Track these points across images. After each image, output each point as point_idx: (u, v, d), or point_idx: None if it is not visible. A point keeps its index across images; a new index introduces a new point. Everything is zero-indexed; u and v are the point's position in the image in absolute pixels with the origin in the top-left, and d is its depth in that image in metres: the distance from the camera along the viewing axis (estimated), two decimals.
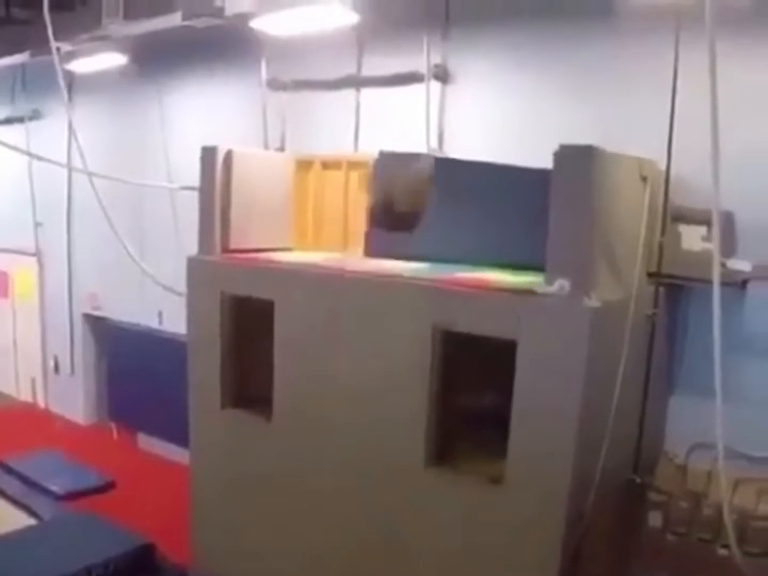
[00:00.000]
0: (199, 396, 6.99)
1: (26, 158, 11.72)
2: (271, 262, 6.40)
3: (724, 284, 4.71)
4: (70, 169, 10.80)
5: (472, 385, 5.75)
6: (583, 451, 4.97)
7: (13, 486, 9.27)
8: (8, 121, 12.42)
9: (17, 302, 13.49)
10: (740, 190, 5.50)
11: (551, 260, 5.00)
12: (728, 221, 5.72)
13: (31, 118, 12.14)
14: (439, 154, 7.10)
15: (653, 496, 6.12)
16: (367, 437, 5.89)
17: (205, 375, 6.85)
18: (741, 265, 5.76)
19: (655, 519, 6.13)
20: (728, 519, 5.10)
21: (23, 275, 13.20)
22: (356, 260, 6.52)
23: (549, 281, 4.98)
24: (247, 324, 6.69)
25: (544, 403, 4.98)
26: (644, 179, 5.57)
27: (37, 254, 12.78)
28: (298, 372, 6.24)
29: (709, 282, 4.70)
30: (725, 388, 4.71)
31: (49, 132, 11.50)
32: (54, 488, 9.23)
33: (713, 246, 4.70)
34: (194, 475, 7.20)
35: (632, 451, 5.90)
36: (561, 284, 4.90)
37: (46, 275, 12.79)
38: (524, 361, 5.01)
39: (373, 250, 6.72)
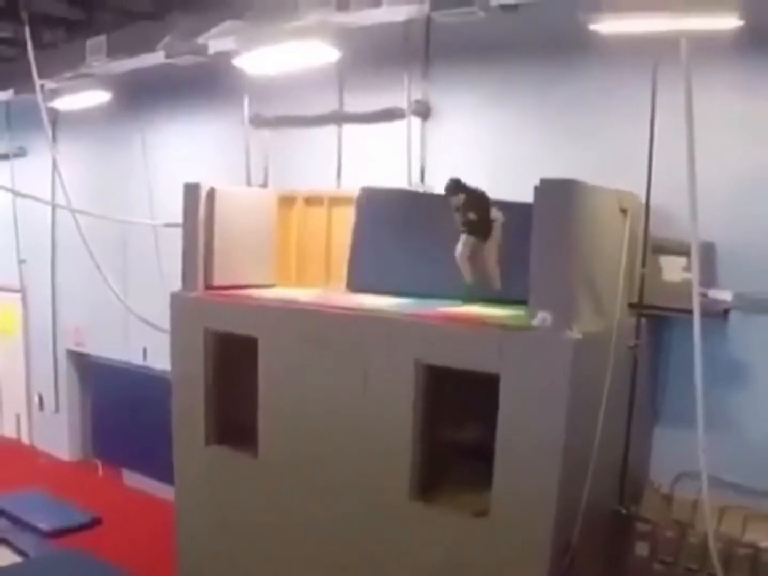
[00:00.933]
0: (183, 432, 6.97)
1: (10, 196, 11.71)
2: (255, 298, 6.42)
3: (706, 314, 4.76)
4: (54, 206, 10.82)
5: (456, 418, 5.76)
6: (567, 482, 4.98)
7: None
8: None
9: (1, 339, 13.44)
10: (720, 221, 5.59)
11: (533, 293, 5.04)
12: (709, 252, 5.76)
13: (15, 155, 12.13)
14: (421, 189, 7.15)
15: (639, 526, 6.12)
16: (353, 471, 5.88)
17: (189, 411, 6.84)
18: (722, 294, 5.81)
19: (641, 549, 6.13)
20: (713, 548, 5.12)
21: (7, 312, 13.15)
22: (339, 295, 6.56)
23: (531, 314, 5.01)
24: (231, 359, 6.68)
25: (528, 435, 4.99)
26: (624, 212, 5.62)
27: (22, 291, 12.74)
28: (282, 407, 6.24)
29: (691, 312, 4.75)
30: (709, 416, 4.76)
31: (34, 169, 11.49)
32: (40, 525, 9.15)
33: (693, 276, 4.75)
34: (179, 512, 7.17)
35: (617, 481, 5.90)
36: (543, 317, 4.93)
37: (31, 312, 12.76)
38: (507, 394, 5.03)
39: (355, 285, 6.75)
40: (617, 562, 6.21)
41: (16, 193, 11.01)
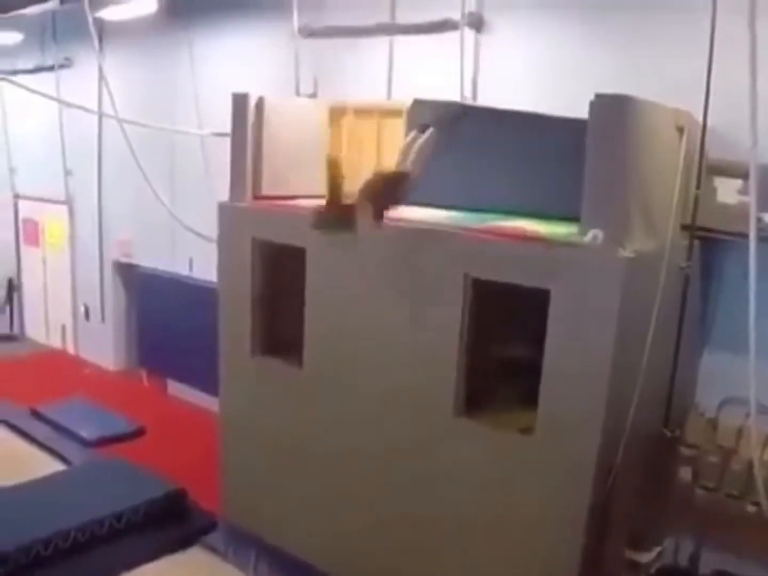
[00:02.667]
0: (229, 343, 7.01)
1: (56, 107, 11.73)
2: (304, 208, 6.37)
3: (760, 239, 4.65)
4: (101, 116, 10.78)
5: (504, 335, 5.72)
6: (614, 403, 4.96)
7: (43, 432, 9.34)
8: (38, 69, 12.36)
9: (48, 250, 13.58)
10: None
11: (586, 210, 4.96)
12: (765, 175, 5.62)
13: (61, 67, 12.09)
14: (472, 103, 7.04)
15: (683, 451, 6.10)
16: (398, 385, 5.89)
17: (236, 322, 6.87)
18: None
19: (684, 473, 6.12)
20: (758, 475, 5.08)
21: (54, 223, 13.29)
22: None
23: (583, 231, 4.93)
24: (278, 270, 6.68)
25: (576, 353, 4.95)
26: (680, 130, 5.50)
27: (68, 202, 12.83)
28: (329, 319, 6.25)
29: (745, 236, 4.66)
30: (758, 344, 4.68)
31: (80, 80, 11.47)
32: (84, 434, 9.31)
33: (750, 199, 4.65)
34: (224, 423, 7.26)
35: (663, 404, 5.86)
36: (595, 234, 4.85)
37: (77, 223, 12.86)
38: (557, 311, 4.98)
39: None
40: (660, 486, 6.21)
41: (63, 103, 11.01)
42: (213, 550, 7.02)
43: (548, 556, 5.31)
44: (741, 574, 6.18)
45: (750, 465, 5.35)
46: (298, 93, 8.32)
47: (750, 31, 4.30)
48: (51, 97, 10.31)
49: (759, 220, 4.78)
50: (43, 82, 11.55)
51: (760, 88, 4.38)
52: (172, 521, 7.25)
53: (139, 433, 9.63)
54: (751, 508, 5.73)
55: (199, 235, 8.73)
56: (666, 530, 6.50)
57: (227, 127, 6.86)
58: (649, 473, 6.06)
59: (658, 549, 6.35)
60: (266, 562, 6.84)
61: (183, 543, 7.05)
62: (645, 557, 6.25)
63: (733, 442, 5.95)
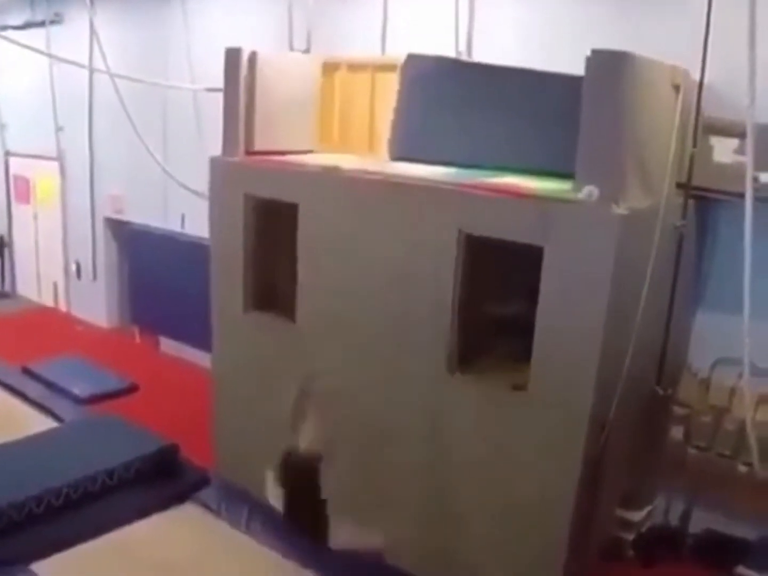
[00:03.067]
0: (222, 299, 6.99)
1: (46, 63, 11.61)
2: (297, 164, 6.32)
3: (756, 199, 4.64)
4: (92, 71, 10.68)
5: (498, 292, 5.70)
6: (606, 360, 4.95)
7: (35, 390, 9.38)
8: (28, 25, 12.19)
9: (39, 207, 13.50)
10: None
11: (581, 166, 4.92)
12: (762, 135, 5.57)
13: (52, 22, 11.93)
14: (467, 58, 6.97)
15: (676, 410, 6.14)
16: (392, 340, 5.88)
17: (228, 278, 6.83)
18: None
19: (677, 432, 6.16)
20: (752, 435, 5.10)
21: (45, 180, 13.19)
22: (382, 164, 6.44)
23: (578, 187, 4.89)
24: (270, 225, 6.64)
25: (570, 311, 4.94)
26: (677, 88, 5.45)
27: (59, 159, 12.72)
28: (322, 274, 6.20)
29: (741, 195, 4.65)
30: (752, 304, 4.68)
31: (71, 36, 11.35)
32: (76, 391, 9.31)
33: (747, 158, 4.62)
34: (216, 379, 7.26)
35: (656, 363, 5.87)
36: (590, 190, 4.82)
37: (68, 180, 12.75)
38: (551, 268, 4.96)
39: (398, 153, 6.65)
40: (652, 445, 6.25)
41: (54, 58, 10.88)
42: (205, 506, 7.05)
43: (541, 511, 5.33)
44: (731, 533, 6.23)
45: (742, 425, 5.37)
46: (291, 48, 8.23)
47: None
48: (42, 52, 10.20)
49: (755, 179, 4.77)
50: (34, 38, 11.39)
51: (758, 48, 4.34)
52: (165, 477, 7.28)
53: (131, 389, 9.62)
54: (742, 468, 5.77)
55: (191, 190, 8.69)
56: (657, 489, 6.55)
57: (220, 83, 6.78)
58: (642, 431, 6.10)
59: (649, 508, 6.41)
60: (258, 519, 6.86)
61: (176, 499, 7.09)
62: (636, 516, 6.32)
63: (725, 402, 5.98)
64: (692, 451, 6.12)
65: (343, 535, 6.36)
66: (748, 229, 4.58)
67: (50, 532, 6.39)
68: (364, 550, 6.23)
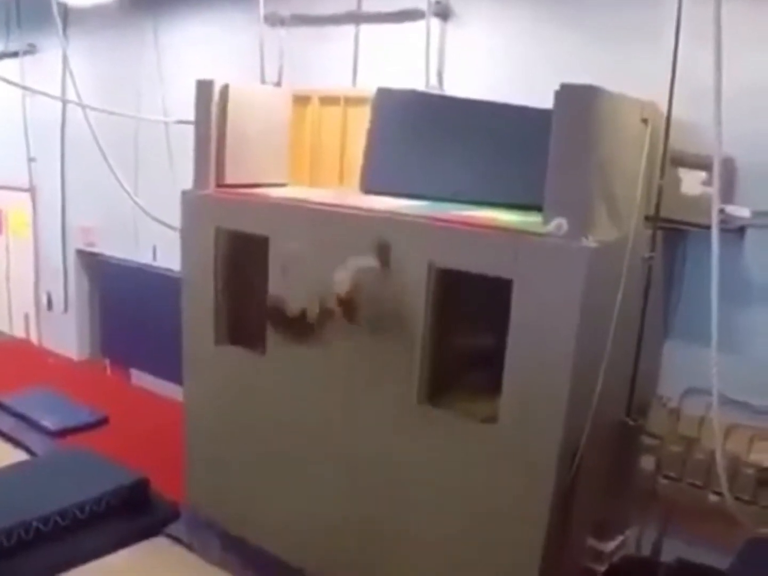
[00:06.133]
0: (193, 332, 6.96)
1: (20, 94, 11.58)
2: (267, 197, 6.34)
3: (722, 230, 4.71)
4: (65, 102, 10.69)
5: (469, 326, 5.71)
6: (576, 391, 4.96)
7: (6, 422, 9.24)
8: (2, 56, 12.14)
9: (11, 239, 13.42)
10: (741, 135, 5.43)
11: (549, 199, 4.95)
12: (728, 167, 5.67)
13: (25, 53, 11.91)
14: (438, 92, 7.03)
15: (646, 440, 6.15)
16: (361, 372, 5.87)
17: (199, 310, 6.81)
18: (740, 211, 5.73)
19: (647, 462, 6.17)
20: (721, 465, 5.12)
21: (17, 212, 13.11)
22: (352, 196, 6.46)
23: (547, 220, 4.93)
24: (242, 259, 6.63)
25: (539, 342, 4.96)
26: (645, 121, 5.50)
27: (31, 190, 12.66)
28: None
29: (708, 227, 4.71)
30: (720, 334, 4.72)
31: (44, 66, 11.31)
32: (47, 424, 9.20)
33: (713, 191, 4.68)
34: (188, 412, 7.21)
35: (626, 394, 5.90)
36: (558, 223, 4.85)
37: (40, 211, 12.68)
38: (520, 300, 4.98)
39: (369, 186, 6.68)
40: (623, 475, 6.25)
41: (26, 89, 10.86)
42: (177, 539, 6.98)
43: (511, 544, 5.32)
44: (703, 562, 6.24)
45: (712, 455, 5.39)
46: (263, 81, 8.27)
47: (715, 24, 4.32)
48: (15, 84, 10.17)
49: (721, 211, 4.83)
50: (7, 68, 11.39)
51: (724, 80, 4.40)
52: (136, 511, 7.17)
53: (102, 422, 9.53)
54: (713, 498, 5.78)
55: (162, 223, 8.66)
56: (629, 519, 6.56)
57: (192, 116, 6.79)
58: (613, 462, 6.10)
59: (621, 538, 6.39)
60: (231, 552, 6.81)
61: (147, 533, 7.00)
62: (608, 546, 6.29)
63: (695, 431, 6.01)
64: (663, 481, 6.12)
65: None
66: (715, 260, 4.64)
67: (21, 565, 6.29)
68: None
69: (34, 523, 6.54)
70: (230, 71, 8.15)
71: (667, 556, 6.54)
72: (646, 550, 6.66)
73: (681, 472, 6.03)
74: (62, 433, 9.11)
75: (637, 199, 5.41)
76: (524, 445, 5.14)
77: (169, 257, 9.08)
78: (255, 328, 6.47)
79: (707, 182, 5.64)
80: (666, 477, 6.10)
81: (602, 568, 6.24)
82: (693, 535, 6.32)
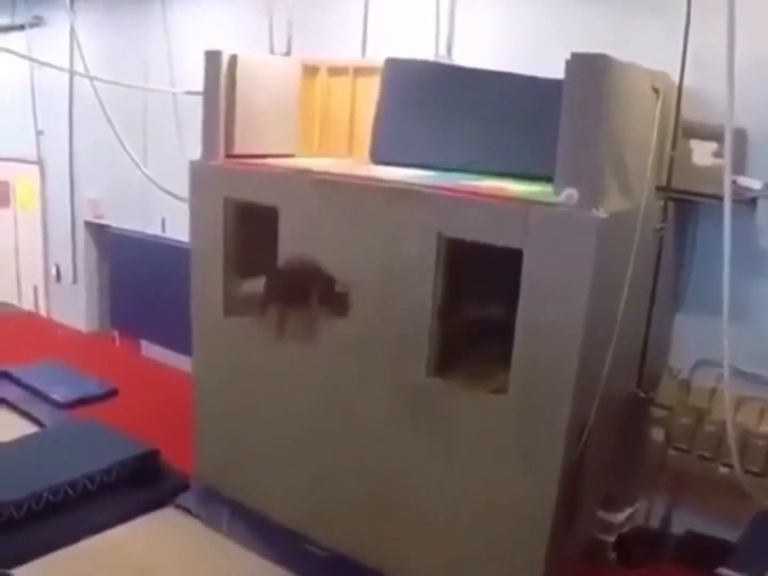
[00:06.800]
0: (202, 303, 6.94)
1: (27, 66, 11.57)
2: (276, 167, 6.31)
3: (734, 201, 4.68)
4: (72, 74, 10.67)
5: (479, 297, 5.70)
6: (586, 363, 4.94)
7: (15, 394, 9.31)
8: (8, 28, 12.15)
9: (19, 211, 13.43)
10: (754, 106, 5.41)
11: (560, 169, 4.90)
12: (740, 138, 5.62)
13: (32, 26, 11.90)
14: (447, 62, 6.98)
15: (656, 412, 6.14)
16: (371, 345, 5.85)
17: (209, 282, 6.79)
18: (751, 183, 5.69)
19: (657, 434, 6.17)
20: (732, 437, 5.12)
21: (25, 184, 13.13)
22: (362, 167, 6.42)
23: (557, 190, 4.89)
24: (251, 229, 6.60)
25: (549, 314, 4.92)
26: (656, 91, 5.45)
27: (39, 163, 12.67)
28: None
29: (719, 198, 4.69)
30: (731, 306, 4.71)
31: (51, 39, 11.32)
32: (56, 396, 9.23)
33: (725, 162, 4.65)
34: (197, 384, 7.20)
35: (636, 366, 5.89)
36: (569, 193, 4.81)
37: (48, 183, 12.71)
38: (530, 271, 4.94)
39: (378, 156, 6.65)
40: (633, 447, 6.26)
41: (35, 61, 10.83)
42: (186, 509, 7.03)
43: (521, 515, 5.31)
44: (712, 534, 6.25)
45: (723, 427, 5.39)
46: (272, 52, 8.23)
47: None
48: (22, 56, 10.15)
49: (733, 182, 4.80)
50: (14, 41, 11.37)
51: (736, 50, 4.36)
52: (146, 482, 7.25)
53: (112, 394, 9.55)
54: (723, 470, 5.78)
55: (171, 194, 8.66)
56: (639, 491, 6.57)
57: (200, 86, 6.75)
58: (623, 434, 6.11)
59: (630, 509, 6.42)
60: (239, 521, 6.83)
61: (156, 503, 7.07)
62: (617, 517, 6.32)
63: (705, 403, 6.00)
64: (673, 452, 6.12)
65: None
66: (727, 231, 4.61)
67: (31, 536, 6.35)
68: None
69: (45, 495, 6.61)
70: (239, 41, 8.14)
71: (677, 527, 6.56)
72: (655, 522, 6.67)
73: (691, 444, 6.02)
74: (72, 405, 9.13)
75: (648, 169, 5.36)
76: (534, 416, 5.12)
77: (178, 229, 9.07)
78: (263, 300, 6.46)
79: (719, 153, 5.61)
80: (676, 449, 6.09)
81: (612, 539, 6.28)
82: (703, 507, 6.33)
